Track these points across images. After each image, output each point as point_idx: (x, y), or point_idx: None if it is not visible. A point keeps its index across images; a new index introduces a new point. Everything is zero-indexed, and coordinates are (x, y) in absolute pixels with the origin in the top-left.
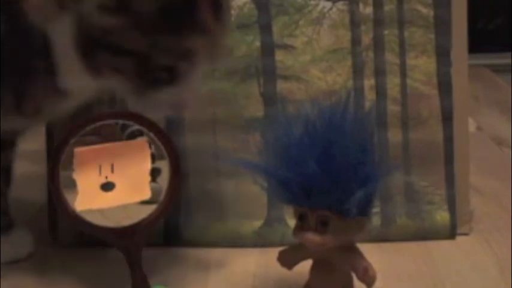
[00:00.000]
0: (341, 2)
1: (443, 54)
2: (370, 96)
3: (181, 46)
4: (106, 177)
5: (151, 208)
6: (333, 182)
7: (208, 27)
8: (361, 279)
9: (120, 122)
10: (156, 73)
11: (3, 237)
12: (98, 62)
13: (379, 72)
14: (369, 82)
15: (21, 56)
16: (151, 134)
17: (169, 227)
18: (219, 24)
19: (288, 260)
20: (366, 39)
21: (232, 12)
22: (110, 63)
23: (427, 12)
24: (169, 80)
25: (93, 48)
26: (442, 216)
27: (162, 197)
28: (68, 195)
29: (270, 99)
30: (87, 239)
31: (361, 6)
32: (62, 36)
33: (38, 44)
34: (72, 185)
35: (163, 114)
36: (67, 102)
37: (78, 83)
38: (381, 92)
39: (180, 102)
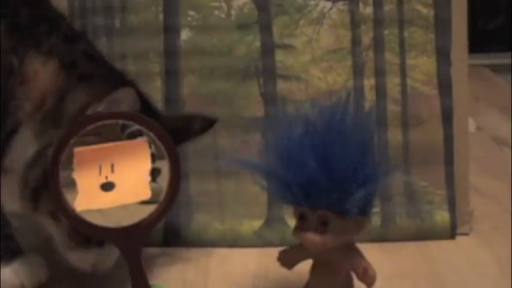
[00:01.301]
0: (341, 2)
1: (443, 54)
2: (370, 96)
3: None
4: (106, 177)
5: (151, 208)
6: (333, 182)
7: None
8: (361, 279)
9: (120, 122)
10: None
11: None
12: None
13: (379, 72)
14: (368, 82)
15: None
16: (151, 134)
17: (169, 227)
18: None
19: (288, 260)
20: (366, 39)
21: (233, 12)
22: None
23: (427, 12)
24: None
25: None
26: (442, 216)
27: (162, 197)
28: (68, 195)
29: (270, 99)
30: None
31: (361, 6)
32: None
33: None
34: (72, 185)
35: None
36: None
37: None
38: (381, 92)
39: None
